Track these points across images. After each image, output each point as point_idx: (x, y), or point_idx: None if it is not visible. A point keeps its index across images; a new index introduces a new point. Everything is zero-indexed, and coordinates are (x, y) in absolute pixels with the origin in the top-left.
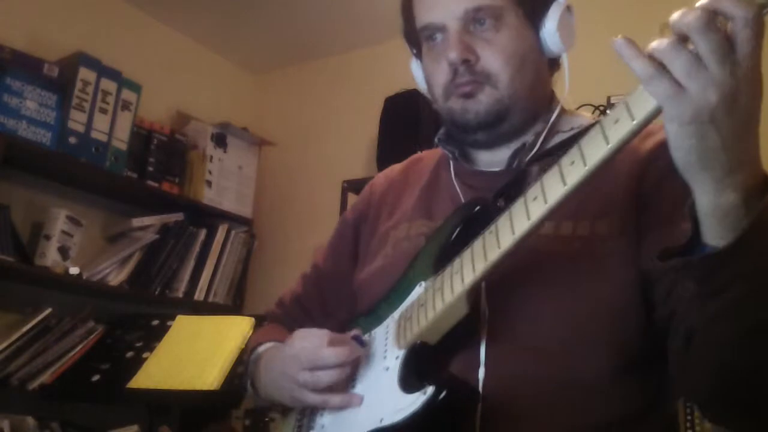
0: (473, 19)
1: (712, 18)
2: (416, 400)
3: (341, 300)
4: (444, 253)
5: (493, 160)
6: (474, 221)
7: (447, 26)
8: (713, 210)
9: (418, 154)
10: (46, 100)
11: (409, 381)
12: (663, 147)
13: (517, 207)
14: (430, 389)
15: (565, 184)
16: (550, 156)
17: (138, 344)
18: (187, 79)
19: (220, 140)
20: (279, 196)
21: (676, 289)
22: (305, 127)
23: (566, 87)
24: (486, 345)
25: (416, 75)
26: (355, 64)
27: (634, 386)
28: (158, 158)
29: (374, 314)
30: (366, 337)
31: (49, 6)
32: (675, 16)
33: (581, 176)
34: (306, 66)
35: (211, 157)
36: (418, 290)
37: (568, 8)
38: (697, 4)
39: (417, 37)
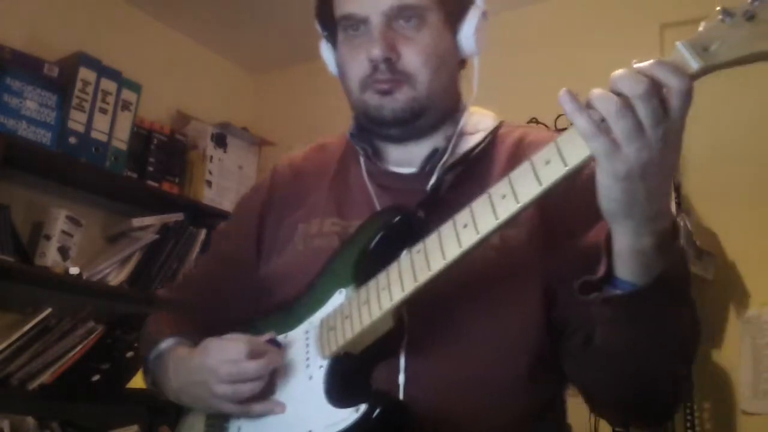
0: (397, 15)
1: (654, 86)
2: (348, 417)
3: (243, 288)
4: (364, 261)
5: (405, 158)
6: (394, 230)
7: (370, 20)
8: (630, 251)
9: (321, 141)
10: (46, 100)
11: (337, 394)
12: None
13: (447, 231)
14: (362, 407)
15: (496, 218)
16: (461, 165)
17: (138, 344)
18: (187, 79)
19: (220, 140)
20: None
21: (575, 298)
22: (305, 127)
23: (474, 89)
24: (406, 352)
25: (326, 58)
26: None
27: (543, 381)
28: (158, 158)
29: (288, 313)
30: (282, 338)
31: (49, 6)
32: (618, 79)
33: (513, 212)
34: (306, 66)
35: (211, 157)
36: (339, 297)
37: (484, 14)
38: (639, 69)
39: (331, 21)
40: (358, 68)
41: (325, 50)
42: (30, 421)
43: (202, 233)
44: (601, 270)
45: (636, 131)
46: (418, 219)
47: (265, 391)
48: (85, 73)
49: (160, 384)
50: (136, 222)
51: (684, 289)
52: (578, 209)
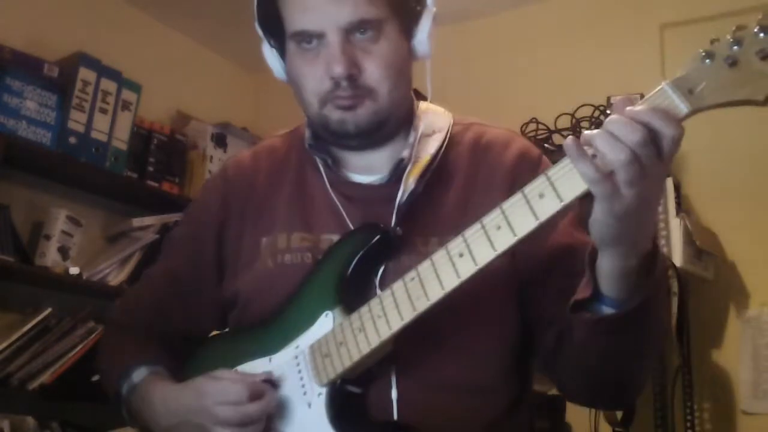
0: (354, 29)
1: (650, 134)
2: None
3: (203, 305)
4: (345, 280)
5: (366, 165)
6: (373, 249)
7: (326, 35)
8: (616, 272)
9: (269, 142)
10: (46, 100)
11: (340, 421)
12: (523, 158)
13: (441, 260)
14: None
15: (494, 249)
16: (427, 173)
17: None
18: (187, 79)
19: (220, 140)
20: None
21: (546, 292)
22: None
23: (429, 91)
24: (396, 369)
25: (272, 64)
26: None
27: (516, 378)
28: (158, 158)
29: (267, 333)
30: (266, 360)
31: (49, 6)
32: (615, 126)
33: (510, 244)
34: None
35: (211, 157)
36: (326, 321)
37: (434, 17)
38: (633, 117)
39: (277, 29)
40: (317, 84)
41: (269, 54)
42: (30, 421)
43: None
44: (588, 290)
45: (640, 178)
46: (396, 236)
47: (263, 429)
48: (85, 73)
49: (141, 418)
50: (136, 222)
51: (662, 302)
52: None
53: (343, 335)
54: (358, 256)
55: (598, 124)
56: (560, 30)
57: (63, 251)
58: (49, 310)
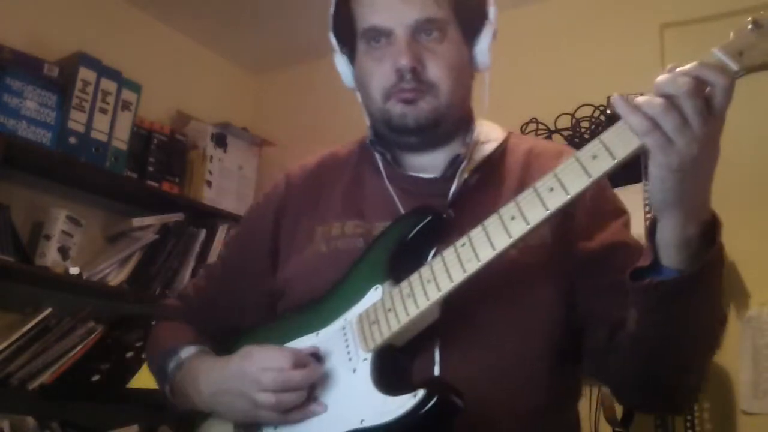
0: (421, 28)
1: (698, 84)
2: (405, 403)
3: (254, 296)
4: (396, 258)
5: (423, 164)
6: (426, 229)
7: (395, 32)
8: (676, 240)
9: (334, 149)
10: (46, 100)
11: (387, 383)
12: None
13: (493, 224)
14: (420, 392)
15: (546, 209)
16: (481, 169)
17: (138, 344)
18: (187, 79)
19: (220, 140)
20: None
21: (597, 288)
22: (305, 127)
23: (486, 101)
24: (440, 345)
25: (342, 71)
26: None
27: (562, 374)
28: (158, 158)
29: (317, 312)
30: (314, 335)
31: (49, 6)
32: (663, 82)
33: (562, 203)
34: (306, 66)
35: (211, 157)
36: (375, 294)
37: (495, 33)
38: (682, 71)
39: (349, 34)
40: (383, 78)
41: (340, 63)
42: (30, 421)
43: (202, 233)
44: (648, 259)
45: (682, 126)
46: (448, 218)
47: (308, 398)
48: (85, 73)
49: (184, 394)
50: (136, 222)
51: (720, 279)
52: (593, 211)
53: (392, 302)
54: (410, 235)
55: (598, 124)
56: (560, 30)
57: (63, 251)
58: (49, 310)
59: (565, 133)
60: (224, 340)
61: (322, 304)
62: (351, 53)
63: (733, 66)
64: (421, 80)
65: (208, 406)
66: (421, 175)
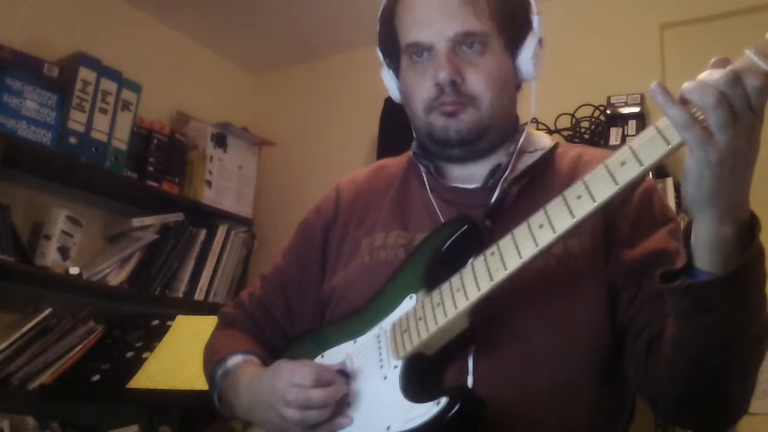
0: (461, 42)
1: (739, 81)
2: (429, 410)
3: (306, 305)
4: (433, 267)
5: (466, 175)
6: (462, 238)
7: (435, 46)
8: (711, 240)
9: (382, 162)
10: (46, 100)
11: (414, 391)
12: None
13: (521, 232)
14: (443, 400)
15: (573, 216)
16: (524, 178)
17: (138, 344)
18: (187, 79)
19: (220, 140)
20: (279, 196)
21: (638, 297)
22: (305, 127)
23: (533, 111)
24: (474, 355)
25: (389, 85)
26: (355, 64)
27: (608, 389)
28: (158, 158)
29: (358, 320)
30: (351, 343)
31: (49, 6)
32: (708, 77)
33: (589, 211)
34: (306, 66)
35: (211, 157)
36: (409, 303)
37: (540, 41)
38: (727, 69)
39: (394, 49)
40: (424, 91)
41: (387, 77)
42: (30, 421)
43: (202, 233)
44: (682, 260)
45: (732, 120)
46: (484, 228)
47: (335, 413)
48: (85, 73)
49: (228, 401)
50: (136, 222)
51: (761, 284)
52: (636, 219)
53: (423, 311)
54: (447, 245)
55: (598, 124)
56: (560, 30)
57: (63, 251)
58: (49, 310)
59: (565, 133)
60: (279, 348)
61: (361, 313)
62: (396, 68)
63: (765, 67)
64: (462, 93)
65: (246, 415)
66: (464, 185)
